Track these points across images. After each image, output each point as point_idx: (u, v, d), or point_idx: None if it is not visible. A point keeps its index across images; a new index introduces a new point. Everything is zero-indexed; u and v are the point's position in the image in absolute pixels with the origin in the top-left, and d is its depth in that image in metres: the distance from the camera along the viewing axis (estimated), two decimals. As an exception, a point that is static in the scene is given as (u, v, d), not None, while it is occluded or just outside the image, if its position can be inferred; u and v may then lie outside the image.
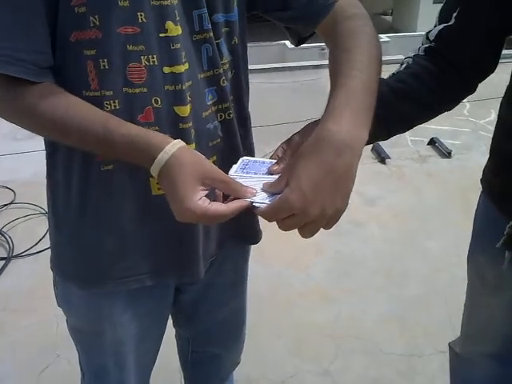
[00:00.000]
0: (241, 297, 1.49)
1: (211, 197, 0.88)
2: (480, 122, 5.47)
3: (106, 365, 1.29)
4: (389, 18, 20.94)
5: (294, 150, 0.93)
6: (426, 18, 18.08)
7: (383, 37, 15.18)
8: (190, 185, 0.84)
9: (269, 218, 0.85)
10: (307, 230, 0.85)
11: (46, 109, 0.89)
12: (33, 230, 3.52)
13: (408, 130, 1.20)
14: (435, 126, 5.21)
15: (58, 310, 1.30)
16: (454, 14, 1.11)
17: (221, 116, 1.10)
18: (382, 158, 4.60)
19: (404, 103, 1.13)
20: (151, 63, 0.95)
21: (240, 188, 0.87)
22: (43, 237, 3.42)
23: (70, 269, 1.16)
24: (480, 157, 4.60)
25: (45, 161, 1.09)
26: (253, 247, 1.40)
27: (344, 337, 2.67)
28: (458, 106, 1.23)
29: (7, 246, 3.39)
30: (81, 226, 1.09)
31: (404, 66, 1.17)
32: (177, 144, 0.87)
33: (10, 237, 3.46)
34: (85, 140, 0.90)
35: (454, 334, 1.67)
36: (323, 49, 10.19)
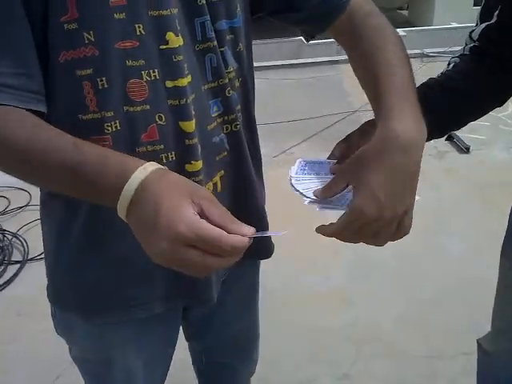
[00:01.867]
0: (253, 310, 1.44)
1: None
2: (498, 115, 5.36)
3: None
4: (405, 12, 20.82)
5: (353, 151, 0.89)
6: (442, 12, 17.96)
7: (399, 31, 15.13)
8: (178, 198, 0.71)
9: (341, 235, 0.80)
10: (382, 237, 0.83)
11: (11, 134, 0.78)
12: (48, 233, 3.49)
13: (461, 127, 1.23)
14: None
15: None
16: (496, 13, 1.12)
17: (227, 128, 1.03)
18: (399, 154, 4.48)
19: (455, 100, 1.15)
20: (152, 78, 0.89)
21: (237, 223, 0.73)
22: (58, 240, 3.40)
23: (71, 300, 1.09)
24: (499, 152, 4.54)
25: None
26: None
27: (363, 340, 2.63)
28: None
29: (22, 250, 3.37)
30: (83, 256, 1.02)
31: (451, 65, 1.21)
32: (150, 166, 0.75)
33: (25, 240, 3.44)
34: (47, 163, 0.77)
35: (476, 335, 1.62)
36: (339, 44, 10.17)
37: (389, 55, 0.92)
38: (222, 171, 1.04)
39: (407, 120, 0.82)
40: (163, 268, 1.01)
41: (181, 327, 1.32)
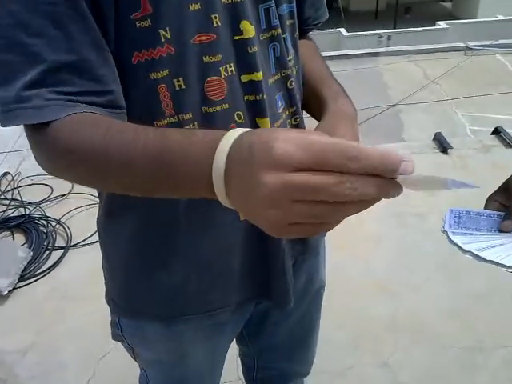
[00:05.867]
0: (314, 302, 1.35)
1: None
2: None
3: None
4: (448, 4, 20.50)
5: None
6: (487, 5, 17.63)
7: (442, 24, 14.85)
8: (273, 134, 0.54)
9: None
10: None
11: (86, 136, 0.68)
12: (89, 220, 3.52)
13: None
14: (495, 116, 5.04)
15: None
16: None
17: (289, 123, 0.96)
18: (444, 147, 4.41)
19: None
20: (229, 73, 0.81)
21: (394, 157, 0.50)
22: (100, 227, 3.47)
23: (145, 308, 1.03)
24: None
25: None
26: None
27: (404, 330, 2.61)
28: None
29: (65, 236, 3.45)
30: (161, 261, 0.96)
31: None
32: (239, 130, 0.58)
33: (68, 227, 3.51)
34: (129, 154, 0.64)
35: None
36: (381, 36, 10.04)
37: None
38: None
39: (347, 102, 0.96)
40: (243, 271, 0.98)
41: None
